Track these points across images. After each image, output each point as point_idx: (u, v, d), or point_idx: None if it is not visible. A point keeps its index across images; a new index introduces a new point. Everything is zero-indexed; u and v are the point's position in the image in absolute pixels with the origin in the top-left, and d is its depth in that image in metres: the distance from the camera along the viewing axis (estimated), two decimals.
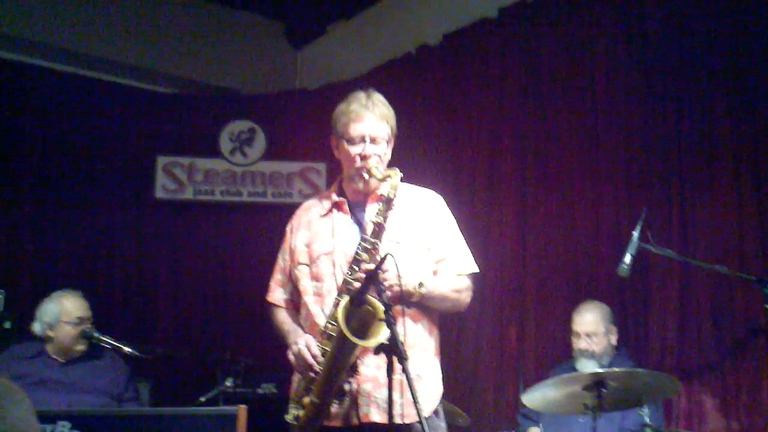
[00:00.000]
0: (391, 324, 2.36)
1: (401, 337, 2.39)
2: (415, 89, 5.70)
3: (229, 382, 4.53)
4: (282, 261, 3.04)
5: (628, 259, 3.74)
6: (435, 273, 2.90)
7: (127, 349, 3.50)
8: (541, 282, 4.83)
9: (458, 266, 2.93)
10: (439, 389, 2.89)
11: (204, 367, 4.76)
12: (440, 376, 2.91)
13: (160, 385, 4.93)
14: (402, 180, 2.80)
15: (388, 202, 2.72)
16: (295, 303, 2.98)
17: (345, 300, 2.61)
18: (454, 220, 3.01)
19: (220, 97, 6.49)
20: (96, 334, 3.66)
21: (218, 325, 5.78)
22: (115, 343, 3.56)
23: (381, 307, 2.50)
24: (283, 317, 2.99)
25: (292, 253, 2.97)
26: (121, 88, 6.19)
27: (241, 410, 3.23)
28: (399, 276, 2.53)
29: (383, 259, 2.46)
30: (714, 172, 4.25)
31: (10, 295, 4.98)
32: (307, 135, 6.11)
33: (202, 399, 4.36)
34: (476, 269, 2.98)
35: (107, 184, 5.90)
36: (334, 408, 2.73)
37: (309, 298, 2.87)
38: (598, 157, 4.70)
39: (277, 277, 3.05)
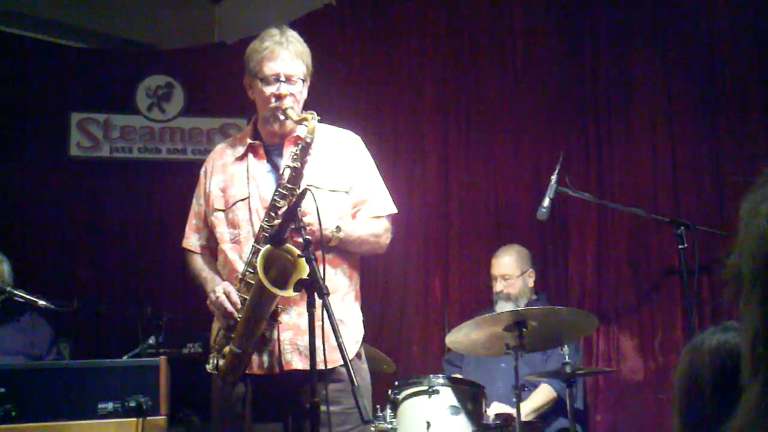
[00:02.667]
0: (310, 260, 2.34)
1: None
2: (336, 40, 5.64)
3: (152, 340, 4.45)
4: (197, 205, 2.95)
5: (546, 203, 3.80)
6: (354, 216, 2.87)
7: (42, 302, 3.39)
8: (464, 230, 4.89)
9: (377, 208, 2.90)
10: (360, 332, 2.88)
11: (125, 325, 4.67)
12: (361, 319, 2.90)
13: (81, 344, 4.84)
14: (319, 121, 2.75)
15: (305, 148, 2.66)
16: (212, 249, 2.91)
17: (264, 249, 2.56)
18: (372, 161, 2.97)
19: (136, 52, 6.30)
20: (9, 288, 3.53)
21: (139, 283, 5.65)
22: (29, 297, 3.44)
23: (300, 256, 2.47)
24: (200, 265, 2.91)
25: (207, 197, 2.89)
26: (32, 43, 5.95)
27: (162, 361, 3.17)
28: (319, 218, 2.50)
29: (302, 195, 2.43)
30: (630, 117, 4.35)
31: None
32: (227, 90, 5.95)
33: (125, 358, 4.27)
34: (395, 210, 2.95)
35: (20, 141, 5.69)
36: (256, 356, 2.71)
37: (226, 246, 2.80)
38: (517, 104, 4.76)
39: (192, 222, 2.97)
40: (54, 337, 4.15)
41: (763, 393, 0.95)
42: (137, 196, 5.86)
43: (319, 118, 2.72)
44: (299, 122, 2.71)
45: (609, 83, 4.43)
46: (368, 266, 3.00)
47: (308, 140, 2.66)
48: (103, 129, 5.85)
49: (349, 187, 2.86)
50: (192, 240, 2.95)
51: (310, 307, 2.31)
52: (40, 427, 2.95)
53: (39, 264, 5.45)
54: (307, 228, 2.53)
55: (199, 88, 6.12)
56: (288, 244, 2.54)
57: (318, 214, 2.49)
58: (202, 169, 2.98)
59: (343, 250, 2.79)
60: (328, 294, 2.30)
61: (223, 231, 2.82)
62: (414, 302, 5.02)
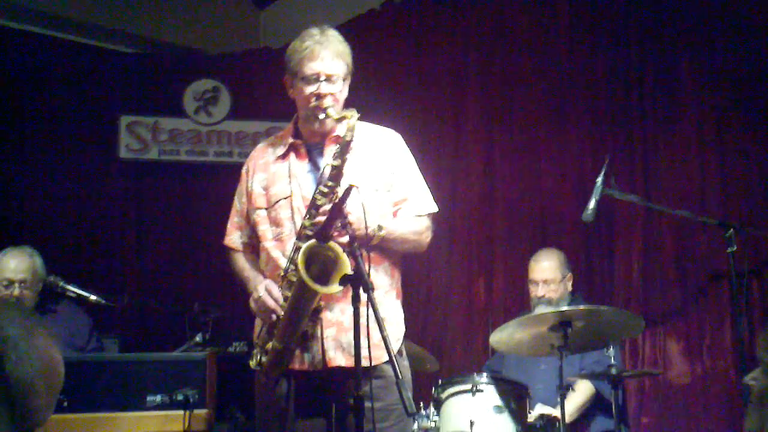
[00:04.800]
0: (355, 255, 2.35)
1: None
2: (380, 44, 5.67)
3: (198, 338, 4.50)
4: (239, 204, 2.97)
5: (592, 204, 3.77)
6: (395, 214, 2.87)
7: (93, 297, 3.48)
8: (509, 231, 4.87)
9: (418, 206, 2.88)
10: (401, 330, 2.87)
11: (173, 322, 4.72)
12: (402, 316, 2.89)
13: (129, 341, 4.92)
14: (360, 119, 2.73)
15: (345, 145, 2.66)
16: (254, 246, 2.92)
17: (305, 245, 2.58)
18: (413, 159, 2.95)
19: (183, 56, 6.41)
20: (61, 284, 3.62)
21: (186, 281, 5.74)
22: (81, 292, 3.53)
23: (342, 252, 2.49)
24: (242, 263, 2.93)
25: (249, 196, 2.91)
26: (83, 48, 6.09)
27: (209, 356, 3.23)
28: (364, 216, 2.51)
29: (347, 191, 2.44)
30: (677, 117, 4.30)
31: None
32: (273, 93, 5.96)
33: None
34: (435, 208, 2.93)
35: (71, 144, 5.82)
36: (299, 353, 2.71)
37: (269, 244, 2.81)
38: (562, 105, 4.74)
39: (234, 220, 2.98)
40: (92, 326, 4.21)
41: None
42: (185, 198, 5.95)
43: (359, 115, 2.72)
44: (339, 120, 2.71)
45: (656, 83, 4.38)
46: (412, 266, 3.00)
47: (348, 138, 2.66)
48: (152, 132, 5.95)
49: (390, 185, 2.85)
50: (234, 237, 2.97)
51: (355, 302, 2.32)
52: (90, 418, 3.03)
53: (90, 262, 5.57)
54: (351, 226, 2.54)
55: (246, 91, 6.20)
56: (330, 241, 2.55)
57: (364, 211, 2.50)
58: (244, 168, 3.00)
59: (384, 248, 2.78)
60: (373, 289, 2.31)
61: (265, 229, 2.84)
62: (457, 302, 5.01)
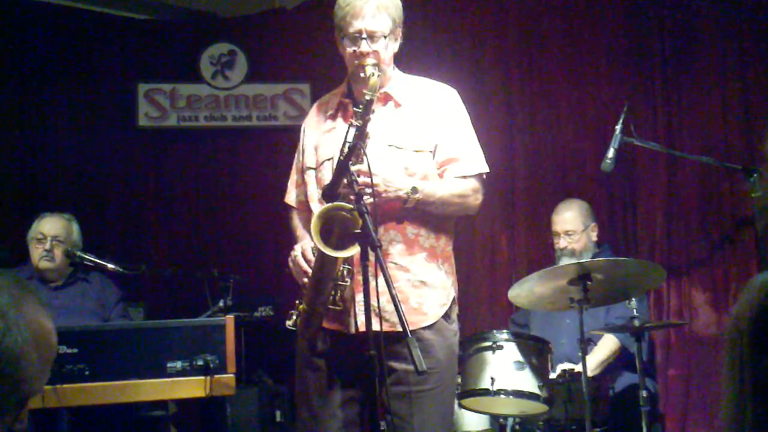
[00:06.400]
0: (362, 213, 2.32)
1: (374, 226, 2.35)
2: None
3: (222, 303, 4.52)
4: (297, 161, 2.97)
5: (611, 153, 3.71)
6: (441, 175, 2.77)
7: (110, 266, 3.50)
8: (530, 184, 4.80)
9: (464, 167, 2.77)
10: (447, 295, 2.76)
11: (195, 288, 4.74)
12: (450, 281, 2.79)
13: (154, 309, 4.97)
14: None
15: (367, 104, 2.58)
16: (309, 204, 2.88)
17: (321, 209, 2.54)
18: (467, 116, 2.84)
19: (198, 21, 6.35)
20: (78, 253, 3.65)
21: (206, 248, 5.72)
22: (98, 261, 3.56)
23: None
24: (296, 222, 2.93)
25: (303, 154, 2.90)
26: (98, 17, 6.06)
27: (228, 321, 3.24)
28: (371, 177, 2.47)
29: (351, 150, 2.41)
30: (698, 61, 4.20)
31: None
32: (289, 55, 6.00)
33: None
34: (485, 169, 2.81)
35: (90, 114, 5.82)
36: (337, 316, 2.68)
37: (314, 205, 2.78)
38: (581, 52, 4.64)
39: (293, 178, 2.98)
40: (120, 296, 4.26)
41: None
42: (205, 164, 5.94)
43: (379, 73, 2.63)
44: (365, 80, 2.64)
45: (676, 27, 4.28)
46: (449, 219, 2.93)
47: (368, 97, 2.59)
48: (170, 99, 5.93)
49: (434, 145, 2.76)
50: (292, 196, 2.97)
51: (363, 260, 2.30)
52: (111, 386, 3.06)
53: (110, 231, 5.60)
54: (374, 189, 2.49)
55: (262, 54, 6.14)
56: (344, 201, 2.52)
57: (370, 172, 2.46)
58: (303, 125, 2.98)
59: (424, 211, 2.71)
60: (380, 247, 2.28)
61: (312, 190, 2.82)
62: (481, 260, 4.97)
